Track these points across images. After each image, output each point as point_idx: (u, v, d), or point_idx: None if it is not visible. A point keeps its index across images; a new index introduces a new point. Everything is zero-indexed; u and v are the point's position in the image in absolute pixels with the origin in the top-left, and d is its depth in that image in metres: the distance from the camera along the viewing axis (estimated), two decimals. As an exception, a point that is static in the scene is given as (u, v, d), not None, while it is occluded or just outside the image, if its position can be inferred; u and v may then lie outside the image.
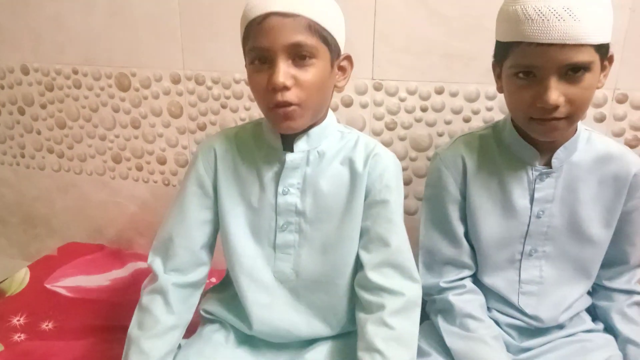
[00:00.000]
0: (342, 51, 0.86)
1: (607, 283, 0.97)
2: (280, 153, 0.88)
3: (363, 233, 0.88)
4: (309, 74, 0.78)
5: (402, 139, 1.24)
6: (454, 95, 1.17)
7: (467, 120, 1.18)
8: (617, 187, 0.88)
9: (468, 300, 0.92)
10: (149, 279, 0.92)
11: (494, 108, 1.15)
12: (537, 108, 0.77)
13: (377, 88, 1.22)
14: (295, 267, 0.90)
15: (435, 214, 0.95)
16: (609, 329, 0.96)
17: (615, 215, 0.90)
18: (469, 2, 1.09)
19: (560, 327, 0.94)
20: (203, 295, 0.99)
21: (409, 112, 1.22)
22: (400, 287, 0.84)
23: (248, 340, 0.95)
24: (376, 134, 1.25)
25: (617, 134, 1.10)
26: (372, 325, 0.81)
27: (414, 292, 0.85)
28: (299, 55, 0.77)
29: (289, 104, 0.78)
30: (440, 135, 1.21)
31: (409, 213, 1.01)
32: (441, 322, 0.92)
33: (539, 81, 0.75)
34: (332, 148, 0.89)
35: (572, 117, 0.78)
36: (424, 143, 1.23)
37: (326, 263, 0.89)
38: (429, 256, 0.96)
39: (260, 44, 0.77)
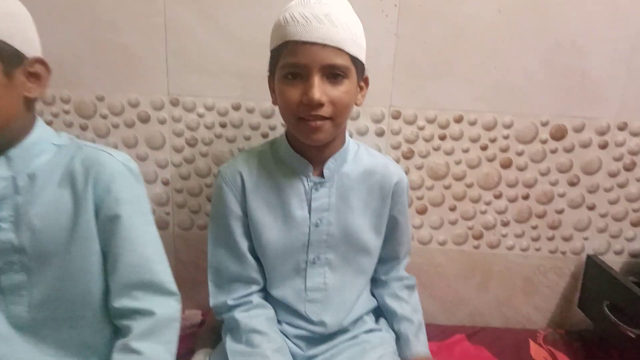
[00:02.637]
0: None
1: (383, 277, 1.07)
2: None
3: (105, 256, 0.81)
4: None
5: (203, 155, 1.23)
6: (250, 111, 1.20)
7: (265, 135, 1.21)
8: (382, 196, 0.98)
9: (254, 315, 0.93)
10: None
11: (289, 124, 1.20)
12: (304, 106, 0.82)
13: (174, 104, 1.19)
14: (30, 310, 0.79)
15: (219, 232, 0.95)
16: (389, 315, 1.05)
17: (383, 221, 0.99)
18: (258, 25, 1.13)
19: (345, 331, 1.00)
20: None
21: (208, 128, 1.21)
22: (149, 306, 0.79)
23: None
24: (177, 150, 1.23)
25: (395, 147, 1.22)
26: (117, 354, 0.75)
27: (166, 308, 0.80)
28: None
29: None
30: (241, 150, 1.22)
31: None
32: (228, 342, 0.92)
33: (304, 80, 0.82)
34: (45, 168, 0.79)
35: (335, 119, 0.85)
36: (226, 159, 1.22)
37: (64, 298, 0.80)
38: (218, 274, 0.96)
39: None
